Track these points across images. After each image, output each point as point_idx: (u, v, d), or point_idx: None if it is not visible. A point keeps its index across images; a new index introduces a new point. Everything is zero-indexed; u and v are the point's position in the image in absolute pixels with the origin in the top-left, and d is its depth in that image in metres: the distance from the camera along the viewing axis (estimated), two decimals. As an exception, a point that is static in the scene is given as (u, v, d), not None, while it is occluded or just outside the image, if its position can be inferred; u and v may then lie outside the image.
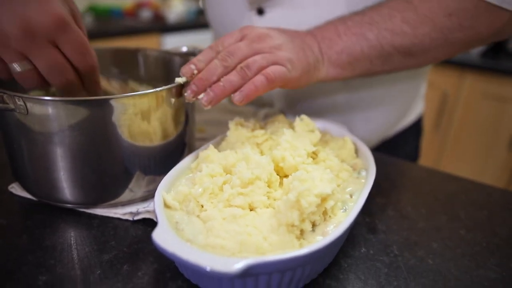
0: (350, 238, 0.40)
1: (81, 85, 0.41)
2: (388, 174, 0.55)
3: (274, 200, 0.36)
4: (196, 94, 0.42)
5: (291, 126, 0.47)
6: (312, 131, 0.45)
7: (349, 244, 0.40)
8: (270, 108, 0.71)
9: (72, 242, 0.38)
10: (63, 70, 0.38)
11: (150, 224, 0.41)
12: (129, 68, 0.57)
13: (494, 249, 0.41)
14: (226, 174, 0.38)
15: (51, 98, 0.39)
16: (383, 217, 0.45)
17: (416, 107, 0.76)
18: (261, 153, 0.43)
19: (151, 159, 0.43)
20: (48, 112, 0.37)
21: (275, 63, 0.42)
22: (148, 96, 0.40)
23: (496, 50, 1.70)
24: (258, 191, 0.35)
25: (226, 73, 0.42)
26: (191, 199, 0.35)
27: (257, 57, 0.42)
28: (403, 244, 0.41)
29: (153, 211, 0.42)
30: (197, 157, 0.42)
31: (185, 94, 0.42)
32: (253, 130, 0.46)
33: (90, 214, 0.43)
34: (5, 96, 0.37)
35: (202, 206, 0.35)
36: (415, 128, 0.79)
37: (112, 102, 0.38)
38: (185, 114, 0.46)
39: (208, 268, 0.26)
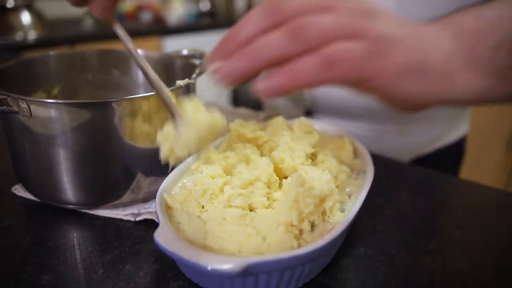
0: (348, 238, 0.41)
1: None
2: (387, 175, 0.55)
3: (274, 201, 0.37)
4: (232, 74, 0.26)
5: (290, 128, 0.48)
6: (311, 132, 0.46)
7: (348, 244, 0.40)
8: (270, 110, 0.72)
9: (75, 242, 0.39)
10: None
11: (151, 224, 0.42)
12: (129, 71, 0.57)
13: (491, 249, 0.41)
14: (227, 175, 0.38)
15: (54, 101, 0.39)
16: (381, 217, 0.46)
17: (459, 127, 0.67)
18: (261, 154, 0.43)
19: (152, 160, 0.44)
20: (51, 114, 0.38)
21: (353, 37, 0.25)
22: (149, 99, 0.40)
23: None
24: (258, 192, 0.35)
25: (266, 28, 0.26)
26: (192, 200, 0.36)
27: (322, 17, 0.25)
28: (401, 244, 0.41)
29: (155, 212, 0.42)
30: (197, 158, 0.42)
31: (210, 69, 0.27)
32: (253, 131, 0.46)
33: (92, 215, 0.43)
34: (9, 99, 0.37)
35: (203, 207, 0.35)
36: (456, 150, 0.69)
37: (114, 105, 0.39)
38: (185, 116, 0.46)
39: (209, 267, 0.27)
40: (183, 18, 2.24)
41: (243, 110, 0.74)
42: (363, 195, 0.37)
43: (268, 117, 0.69)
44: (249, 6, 2.81)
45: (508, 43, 0.29)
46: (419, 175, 0.57)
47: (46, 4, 1.92)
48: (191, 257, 0.27)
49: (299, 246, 0.32)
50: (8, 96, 0.37)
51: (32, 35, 1.56)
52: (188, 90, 0.45)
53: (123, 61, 0.57)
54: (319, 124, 0.52)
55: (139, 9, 2.26)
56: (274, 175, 0.39)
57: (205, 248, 0.31)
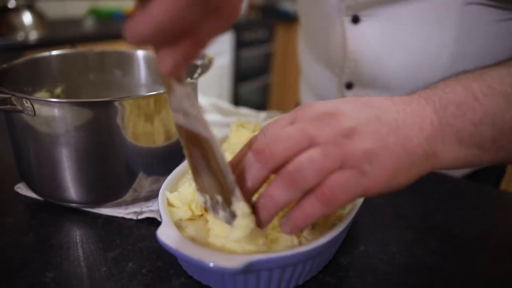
0: (349, 237, 0.41)
1: None
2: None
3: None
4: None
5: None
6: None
7: (348, 243, 0.40)
8: (271, 110, 0.72)
9: (78, 240, 0.39)
10: None
11: (153, 223, 0.42)
12: (131, 71, 0.58)
13: (490, 248, 0.42)
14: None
15: (58, 100, 0.40)
16: (381, 216, 0.46)
17: None
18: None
19: (154, 159, 0.44)
20: (55, 113, 0.38)
21: (341, 165, 0.27)
22: (151, 98, 0.41)
23: None
24: (259, 190, 0.36)
25: (265, 177, 0.29)
26: (193, 199, 0.36)
27: (310, 154, 0.27)
28: (401, 243, 0.41)
29: (157, 211, 0.43)
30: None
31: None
32: (254, 131, 0.47)
33: (95, 213, 0.43)
34: (13, 98, 0.38)
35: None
36: (496, 167, 0.67)
37: (117, 104, 0.39)
38: (187, 116, 0.47)
39: (211, 264, 0.27)
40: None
41: (244, 110, 0.74)
42: (364, 194, 0.37)
43: (269, 117, 0.70)
44: (250, 7, 2.82)
45: (490, 119, 0.31)
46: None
47: (47, 4, 1.92)
48: (194, 255, 0.28)
49: (300, 244, 0.33)
50: (12, 95, 0.38)
51: (33, 35, 1.56)
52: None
53: (125, 61, 0.58)
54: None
55: (140, 9, 2.26)
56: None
57: (207, 246, 0.32)
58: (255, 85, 2.87)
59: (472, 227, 0.45)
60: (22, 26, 1.54)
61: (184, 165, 0.41)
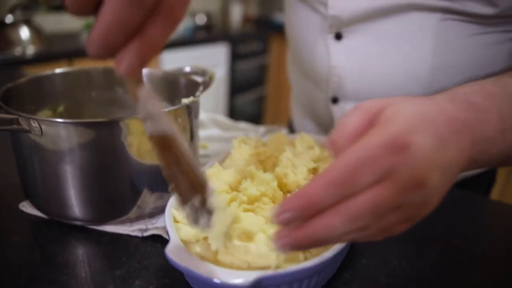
0: (351, 251, 0.42)
1: None
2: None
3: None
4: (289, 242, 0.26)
5: (292, 143, 0.49)
6: (312, 147, 0.47)
7: (350, 257, 0.41)
8: (269, 125, 0.73)
9: (84, 258, 0.40)
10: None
11: (158, 240, 0.43)
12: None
13: (489, 258, 0.43)
14: (232, 191, 0.39)
15: (65, 121, 0.40)
16: (382, 229, 0.47)
17: None
18: (264, 170, 0.45)
19: (158, 176, 0.45)
20: (61, 133, 0.39)
21: (410, 221, 0.29)
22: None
23: None
24: (264, 207, 0.36)
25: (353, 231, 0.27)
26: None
27: (393, 217, 0.28)
28: (402, 255, 0.42)
29: (162, 227, 0.43)
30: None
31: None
32: (255, 147, 0.48)
33: (100, 231, 0.44)
34: (20, 118, 0.38)
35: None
36: (486, 177, 0.68)
37: (121, 124, 0.40)
38: (190, 132, 0.48)
39: (220, 282, 0.28)
40: (180, 31, 2.27)
41: (243, 125, 0.75)
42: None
43: (268, 131, 0.71)
44: (244, 20, 2.85)
45: (504, 153, 0.32)
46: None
47: (44, 19, 1.93)
48: (203, 272, 0.28)
49: (306, 258, 0.33)
50: (20, 115, 0.38)
51: (30, 50, 1.57)
52: (192, 107, 0.47)
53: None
54: (319, 139, 0.53)
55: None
56: (279, 190, 0.40)
57: (215, 263, 0.32)
58: (250, 96, 2.89)
59: (471, 237, 0.46)
60: (19, 41, 1.55)
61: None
